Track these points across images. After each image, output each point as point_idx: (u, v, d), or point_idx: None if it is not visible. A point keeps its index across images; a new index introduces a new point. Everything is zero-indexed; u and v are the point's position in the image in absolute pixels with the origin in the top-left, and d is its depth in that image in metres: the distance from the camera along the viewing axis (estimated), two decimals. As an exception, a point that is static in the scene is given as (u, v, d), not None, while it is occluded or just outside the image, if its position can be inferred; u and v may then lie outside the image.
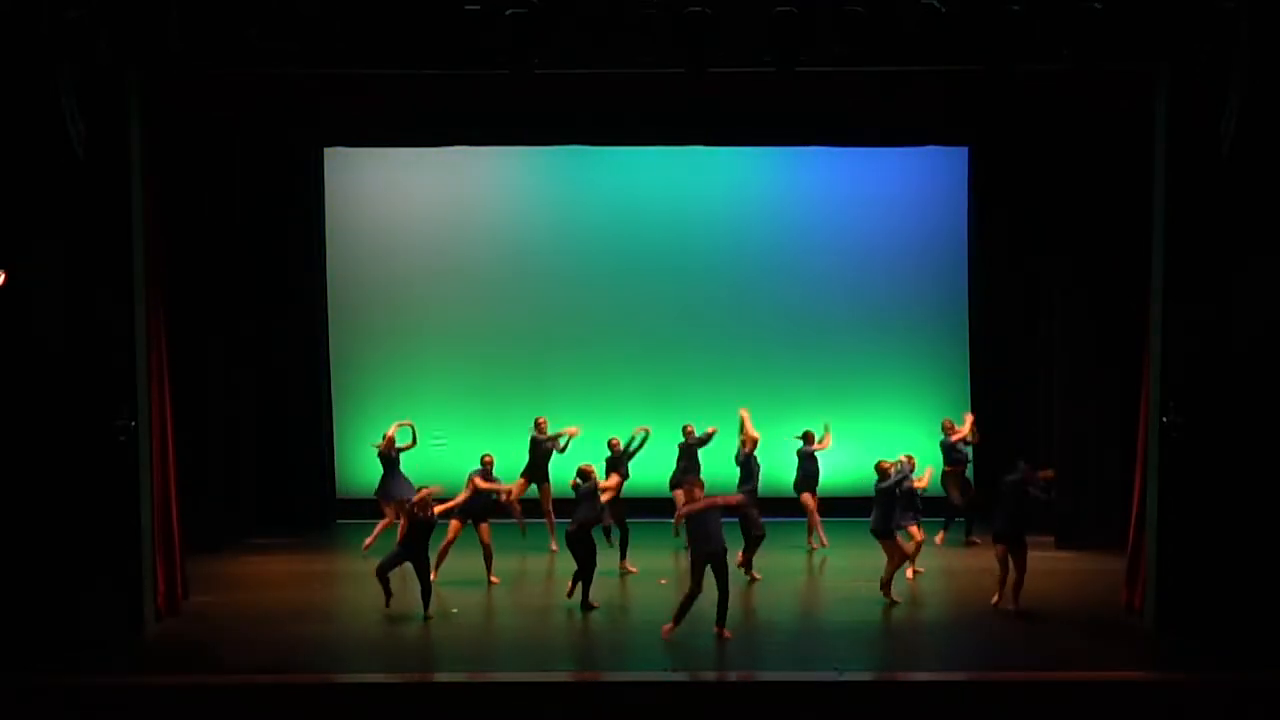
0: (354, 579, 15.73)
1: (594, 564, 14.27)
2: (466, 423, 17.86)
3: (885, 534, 14.41)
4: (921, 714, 11.82)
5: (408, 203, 18.46)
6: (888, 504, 14.45)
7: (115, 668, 12.27)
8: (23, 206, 12.62)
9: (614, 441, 16.17)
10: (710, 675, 12.42)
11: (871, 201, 18.35)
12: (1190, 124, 12.79)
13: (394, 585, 14.10)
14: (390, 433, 16.47)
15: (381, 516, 16.42)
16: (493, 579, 15.20)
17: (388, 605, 13.99)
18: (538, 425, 16.57)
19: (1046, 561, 15.93)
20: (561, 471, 16.03)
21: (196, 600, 14.42)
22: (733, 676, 12.45)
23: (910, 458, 15.09)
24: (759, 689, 12.13)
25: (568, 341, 18.52)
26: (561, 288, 18.47)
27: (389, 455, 16.36)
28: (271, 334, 17.88)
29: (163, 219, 13.91)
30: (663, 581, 15.25)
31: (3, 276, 12.45)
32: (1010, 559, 13.93)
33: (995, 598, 14.08)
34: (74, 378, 12.82)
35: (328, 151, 18.00)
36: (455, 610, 14.20)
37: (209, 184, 16.47)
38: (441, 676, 12.60)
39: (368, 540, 16.29)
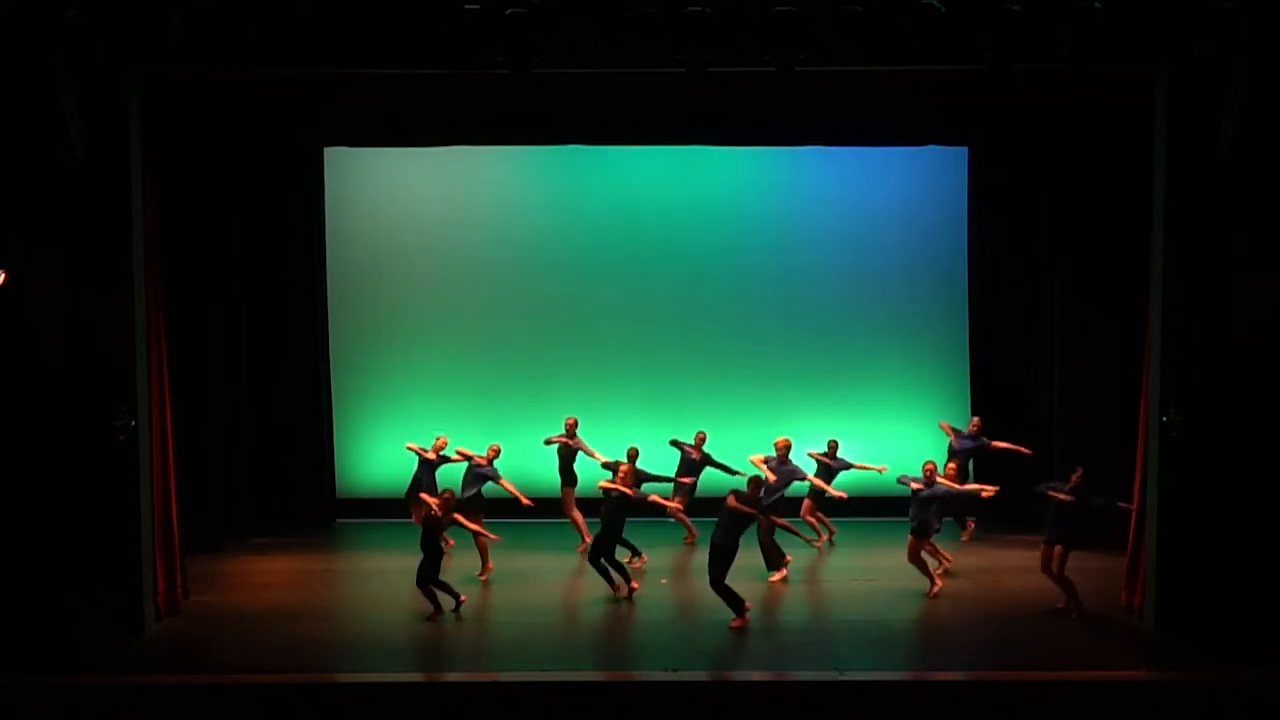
0: (354, 579, 15.75)
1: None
2: (466, 422, 17.81)
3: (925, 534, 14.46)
4: (921, 714, 11.82)
5: (408, 203, 18.44)
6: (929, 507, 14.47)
7: (115, 668, 12.29)
8: (23, 206, 12.62)
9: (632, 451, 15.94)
10: (710, 675, 12.42)
11: (872, 201, 18.32)
12: (1190, 124, 12.80)
13: (395, 586, 14.11)
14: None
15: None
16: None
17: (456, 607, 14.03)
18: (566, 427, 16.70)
19: (1046, 561, 15.91)
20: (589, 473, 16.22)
21: (196, 600, 14.42)
22: (732, 676, 12.45)
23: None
24: (759, 689, 12.13)
25: (568, 341, 18.49)
26: (561, 287, 18.44)
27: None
28: (271, 334, 17.85)
29: (162, 219, 13.91)
30: (663, 581, 15.26)
31: (3, 276, 12.45)
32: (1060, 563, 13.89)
33: (1065, 605, 13.97)
34: (74, 378, 12.83)
35: (328, 151, 17.96)
36: (455, 610, 14.20)
37: (209, 184, 16.46)
38: (441, 676, 12.61)
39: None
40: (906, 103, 15.46)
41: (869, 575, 15.37)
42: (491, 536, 14.92)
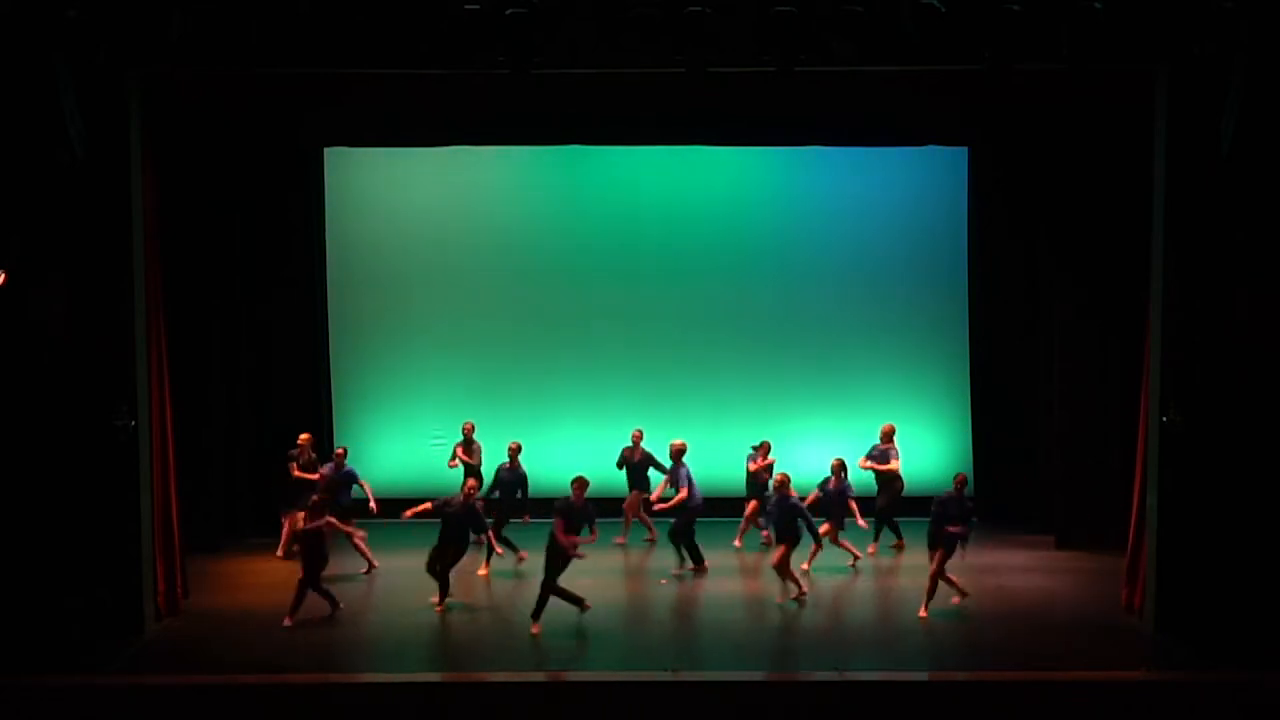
0: (354, 579, 15.73)
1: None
2: (466, 421, 17.80)
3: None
4: (921, 714, 11.83)
5: (408, 203, 18.44)
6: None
7: (115, 668, 12.29)
8: (23, 206, 12.63)
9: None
10: (710, 675, 12.41)
11: (871, 201, 18.32)
12: (1190, 124, 12.80)
13: (394, 586, 14.11)
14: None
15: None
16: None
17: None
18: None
19: (1046, 561, 15.94)
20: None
21: (196, 600, 14.43)
22: (732, 677, 12.44)
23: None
24: (759, 689, 12.13)
25: (567, 341, 18.49)
26: (561, 287, 18.44)
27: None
28: (271, 334, 17.86)
29: (162, 219, 13.92)
30: (663, 582, 15.27)
31: (3, 276, 12.46)
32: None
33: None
34: (75, 378, 12.83)
35: (328, 151, 17.97)
36: (454, 610, 14.21)
37: (209, 184, 16.46)
38: (440, 676, 12.61)
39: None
40: (906, 103, 15.45)
41: (871, 575, 15.37)
42: (357, 531, 15.08)
